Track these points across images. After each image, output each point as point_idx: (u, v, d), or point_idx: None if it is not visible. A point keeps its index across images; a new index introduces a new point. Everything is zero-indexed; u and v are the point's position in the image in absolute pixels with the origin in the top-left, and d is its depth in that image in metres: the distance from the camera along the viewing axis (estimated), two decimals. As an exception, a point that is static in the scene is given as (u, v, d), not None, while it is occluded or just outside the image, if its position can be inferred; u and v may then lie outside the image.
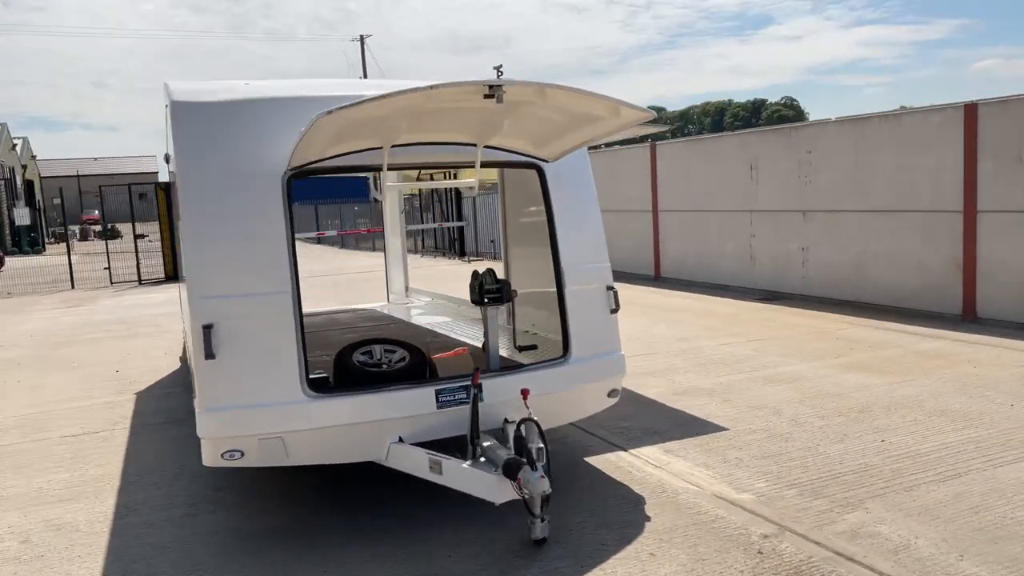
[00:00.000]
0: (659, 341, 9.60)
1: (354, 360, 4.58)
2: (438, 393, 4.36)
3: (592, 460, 5.59)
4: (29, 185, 43.23)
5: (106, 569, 4.27)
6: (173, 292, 17.95)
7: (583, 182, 5.19)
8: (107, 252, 21.35)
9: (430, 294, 9.26)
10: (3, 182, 36.07)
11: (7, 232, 34.94)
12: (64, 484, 5.56)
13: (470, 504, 4.23)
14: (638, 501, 4.82)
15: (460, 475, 4.02)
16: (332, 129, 3.77)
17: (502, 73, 3.91)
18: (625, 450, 5.77)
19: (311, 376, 4.32)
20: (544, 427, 4.87)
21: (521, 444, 3.94)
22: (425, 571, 4.04)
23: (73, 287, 19.88)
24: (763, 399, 6.89)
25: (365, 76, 42.52)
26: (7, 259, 28.67)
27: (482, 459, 4.00)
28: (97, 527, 4.81)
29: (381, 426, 4.30)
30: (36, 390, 8.53)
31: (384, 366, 4.59)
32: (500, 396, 4.50)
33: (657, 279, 15.78)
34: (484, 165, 4.86)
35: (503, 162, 4.88)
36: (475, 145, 4.54)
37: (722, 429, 6.14)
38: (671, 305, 12.47)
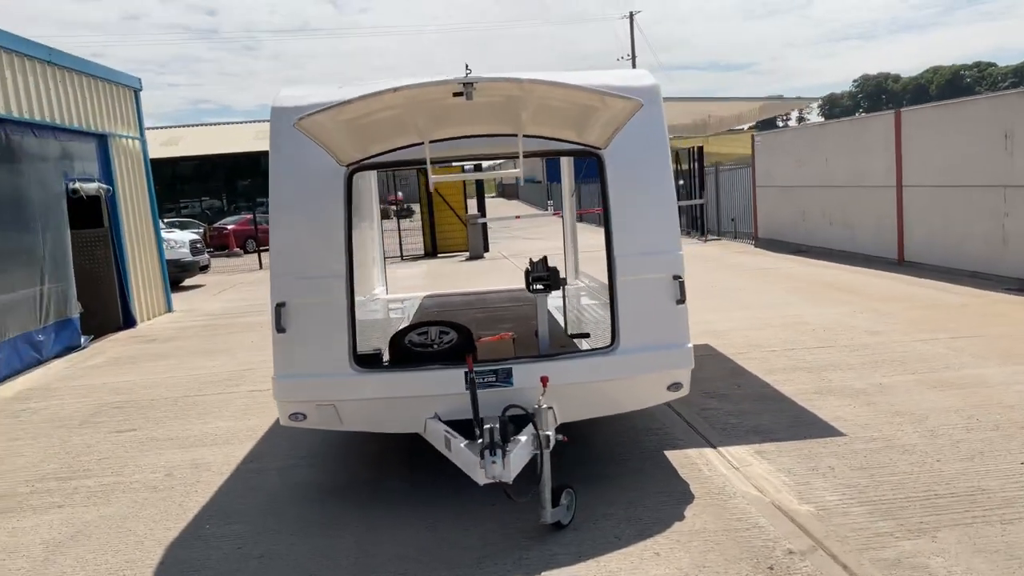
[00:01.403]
0: (845, 334, 8.79)
1: (406, 340, 4.94)
2: (467, 374, 4.58)
3: (671, 453, 5.44)
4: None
5: (208, 502, 5.11)
6: (423, 267, 19.73)
7: (652, 167, 5.03)
8: (398, 229, 23.76)
9: (591, 278, 9.37)
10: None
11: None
12: (225, 431, 6.63)
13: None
14: (684, 500, 4.66)
15: (458, 454, 4.23)
16: (346, 131, 4.13)
17: (471, 70, 3.92)
18: (714, 447, 5.53)
19: (361, 352, 4.77)
20: (589, 416, 4.92)
21: (505, 430, 4.04)
22: (441, 537, 4.32)
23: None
24: (915, 405, 6.13)
25: (633, 54, 42.45)
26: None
27: (479, 441, 4.16)
28: (224, 468, 5.72)
29: (418, 402, 4.62)
30: (259, 350, 10.07)
31: (434, 346, 4.90)
32: (534, 382, 4.60)
33: (901, 264, 14.20)
34: (541, 154, 4.94)
35: (558, 151, 4.90)
36: (516, 136, 4.62)
37: (839, 435, 5.61)
38: (891, 293, 11.24)
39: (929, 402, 6.18)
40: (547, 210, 47.12)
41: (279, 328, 4.76)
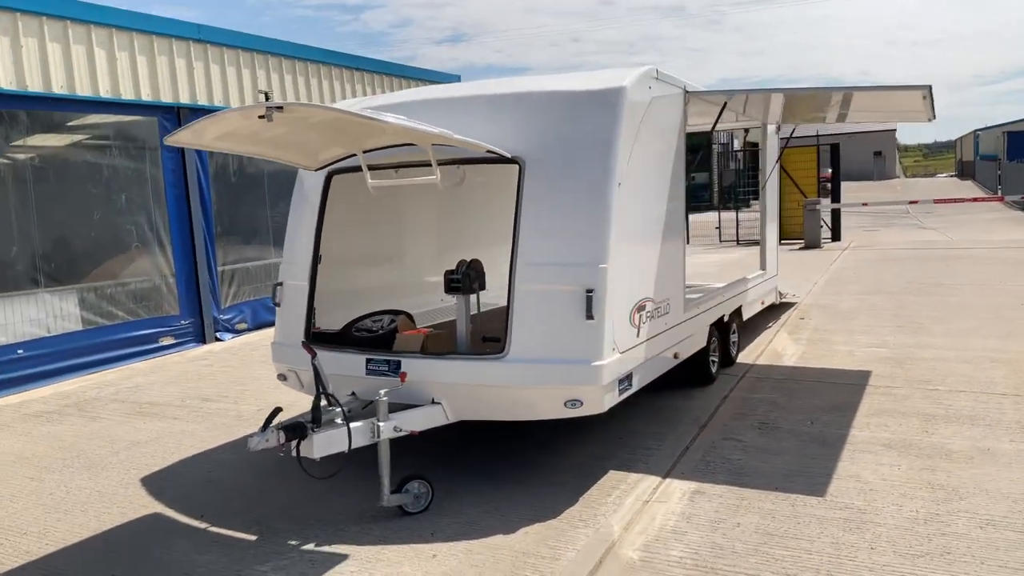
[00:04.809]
0: (1070, 382, 6.77)
1: (356, 325, 5.54)
2: (367, 361, 5.06)
3: (616, 473, 5.20)
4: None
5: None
6: (739, 254, 19.05)
7: (582, 174, 4.83)
8: (736, 213, 23.30)
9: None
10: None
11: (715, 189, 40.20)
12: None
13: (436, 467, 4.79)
14: (543, 518, 4.56)
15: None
16: (254, 144, 4.87)
17: (270, 96, 4.03)
18: (664, 477, 5.12)
19: (315, 330, 5.54)
20: (485, 418, 5.07)
21: (317, 412, 4.45)
22: (322, 498, 4.96)
23: (687, 242, 22.64)
24: (977, 482, 4.80)
25: None
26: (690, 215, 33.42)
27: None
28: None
29: (337, 380, 5.24)
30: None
31: (376, 332, 5.42)
32: (425, 377, 4.91)
33: None
34: (465, 162, 5.11)
35: (480, 159, 4.97)
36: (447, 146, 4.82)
37: (816, 496, 4.74)
38: None
39: (1000, 482, 4.77)
40: (996, 193, 39.92)
41: (275, 303, 5.80)
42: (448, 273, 5.23)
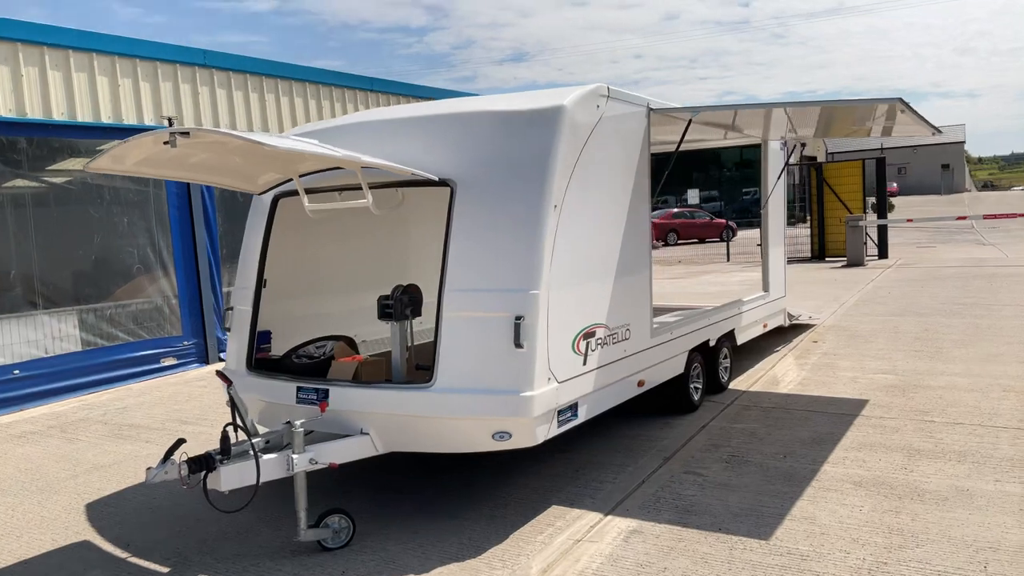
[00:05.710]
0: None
1: (297, 351, 5.42)
2: (298, 390, 4.93)
3: (558, 508, 4.94)
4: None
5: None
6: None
7: (516, 197, 4.63)
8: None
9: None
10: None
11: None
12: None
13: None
14: (467, 555, 4.35)
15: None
16: (181, 169, 4.81)
17: (173, 122, 3.90)
18: (605, 513, 4.84)
19: (258, 356, 5.45)
20: (414, 449, 4.89)
21: (225, 443, 4.32)
22: (251, 527, 4.85)
23: (728, 260, 22.10)
24: (943, 527, 4.41)
25: None
26: (741, 231, 32.64)
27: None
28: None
29: (270, 407, 5.14)
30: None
31: (317, 359, 5.30)
32: (351, 405, 4.77)
33: None
34: (401, 185, 4.96)
35: (413, 182, 4.81)
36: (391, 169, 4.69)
37: (759, 539, 4.42)
38: None
39: (968, 528, 4.35)
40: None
41: (225, 329, 5.75)
42: (382, 299, 5.09)
